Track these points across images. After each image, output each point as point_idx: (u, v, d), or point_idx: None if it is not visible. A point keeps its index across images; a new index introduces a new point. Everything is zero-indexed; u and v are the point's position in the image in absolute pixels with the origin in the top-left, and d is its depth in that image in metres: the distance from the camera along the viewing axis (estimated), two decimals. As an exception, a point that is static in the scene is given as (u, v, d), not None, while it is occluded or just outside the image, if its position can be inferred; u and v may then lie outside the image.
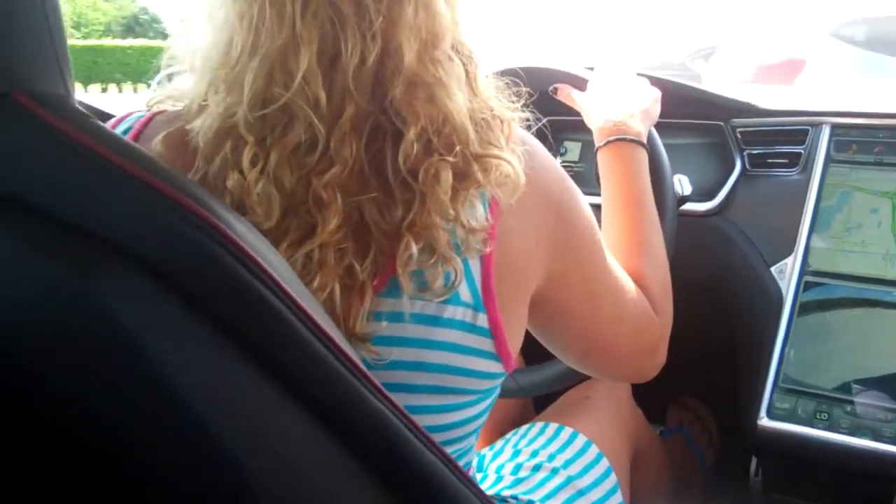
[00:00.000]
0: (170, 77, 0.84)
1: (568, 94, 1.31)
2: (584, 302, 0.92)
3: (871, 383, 1.29)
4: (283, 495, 0.61)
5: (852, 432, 1.27)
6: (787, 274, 1.40)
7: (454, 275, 0.78)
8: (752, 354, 1.40)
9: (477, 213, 0.79)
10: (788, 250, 1.42)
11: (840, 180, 1.44)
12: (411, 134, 0.75)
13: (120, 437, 0.58)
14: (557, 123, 1.63)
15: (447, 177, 0.76)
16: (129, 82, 17.54)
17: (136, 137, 0.82)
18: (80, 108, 0.63)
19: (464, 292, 0.79)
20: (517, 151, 0.81)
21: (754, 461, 1.46)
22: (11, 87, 0.59)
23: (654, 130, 1.26)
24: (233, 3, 0.75)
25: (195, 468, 0.59)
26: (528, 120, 1.60)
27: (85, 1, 29.49)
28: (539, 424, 1.30)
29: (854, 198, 1.42)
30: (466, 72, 0.80)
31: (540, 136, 1.41)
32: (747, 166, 1.54)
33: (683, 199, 1.32)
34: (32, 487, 0.60)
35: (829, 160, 1.46)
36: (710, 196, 1.53)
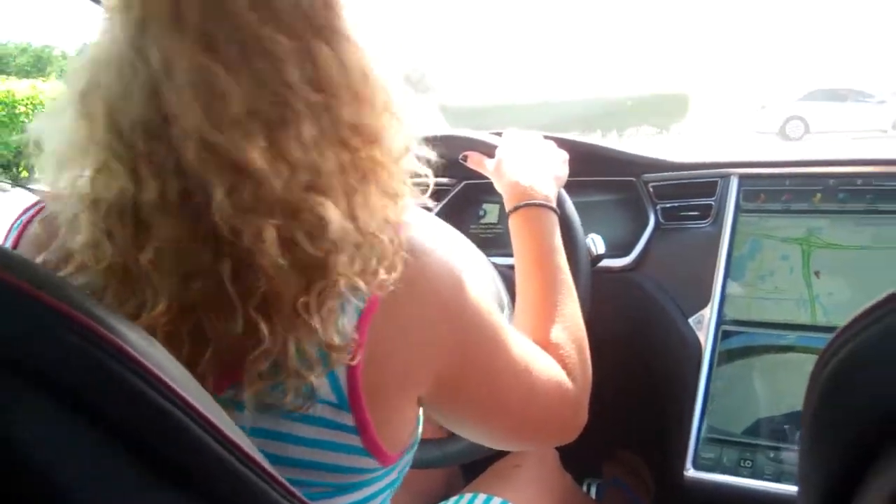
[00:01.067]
0: None
1: (478, 161, 1.32)
2: (488, 397, 0.90)
3: (792, 429, 1.31)
4: None
5: (777, 478, 1.29)
6: (704, 324, 1.43)
7: (311, 390, 0.75)
8: (675, 406, 1.42)
9: (341, 327, 0.76)
10: (705, 301, 1.44)
11: (751, 229, 1.48)
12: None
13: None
14: (477, 186, 1.65)
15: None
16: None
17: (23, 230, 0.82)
18: None
19: (325, 392, 0.76)
20: (397, 263, 0.78)
21: (687, 511, 1.47)
22: None
23: (563, 192, 1.27)
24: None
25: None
26: (447, 184, 1.61)
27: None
28: (468, 496, 1.29)
29: (765, 245, 1.46)
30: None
31: (460, 200, 1.43)
32: (661, 220, 1.57)
33: (598, 258, 1.33)
34: None
35: (738, 210, 1.49)
36: (626, 251, 1.55)
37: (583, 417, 1.02)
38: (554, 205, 1.16)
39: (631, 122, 20.86)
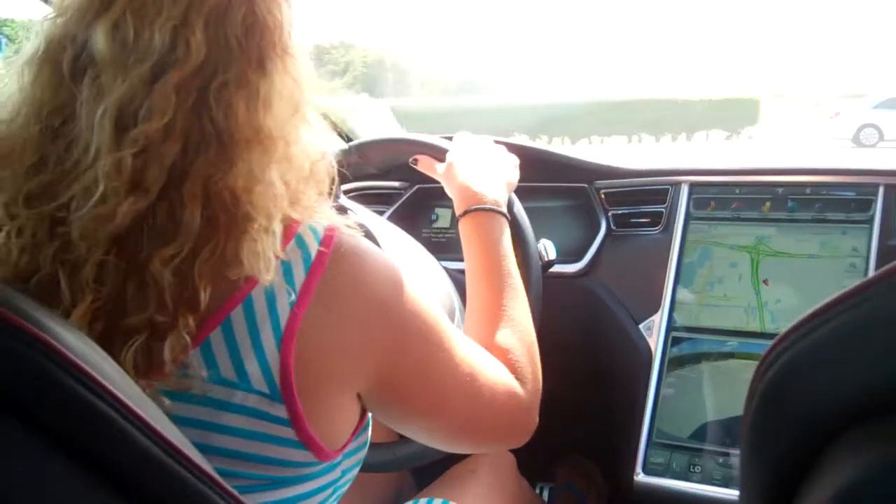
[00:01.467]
0: None
1: (429, 165, 1.32)
2: (430, 398, 0.91)
3: (739, 434, 1.33)
4: None
5: (725, 483, 1.30)
6: (654, 330, 1.44)
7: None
8: (625, 411, 1.43)
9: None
10: (655, 307, 1.46)
11: (701, 237, 1.49)
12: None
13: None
14: (429, 191, 1.65)
15: None
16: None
17: None
18: None
19: (257, 380, 0.77)
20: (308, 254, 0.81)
21: (638, 516, 1.48)
22: None
23: (514, 196, 1.28)
24: None
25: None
26: (399, 188, 1.61)
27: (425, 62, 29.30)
28: (422, 501, 1.29)
29: (715, 253, 1.47)
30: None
31: (413, 204, 1.42)
32: (612, 226, 1.58)
33: (549, 263, 1.34)
34: None
35: (689, 217, 1.51)
36: (577, 257, 1.56)
37: (533, 421, 1.03)
38: (504, 210, 1.17)
39: (701, 125, 20.78)
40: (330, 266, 0.81)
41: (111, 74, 0.75)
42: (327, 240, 0.82)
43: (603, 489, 1.89)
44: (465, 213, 1.16)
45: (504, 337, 1.05)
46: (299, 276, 0.80)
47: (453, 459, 1.38)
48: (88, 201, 0.74)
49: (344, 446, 0.87)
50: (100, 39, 0.76)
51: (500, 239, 1.14)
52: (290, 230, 0.81)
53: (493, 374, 0.96)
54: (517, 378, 1.00)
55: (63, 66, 0.78)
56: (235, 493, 0.65)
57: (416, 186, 1.67)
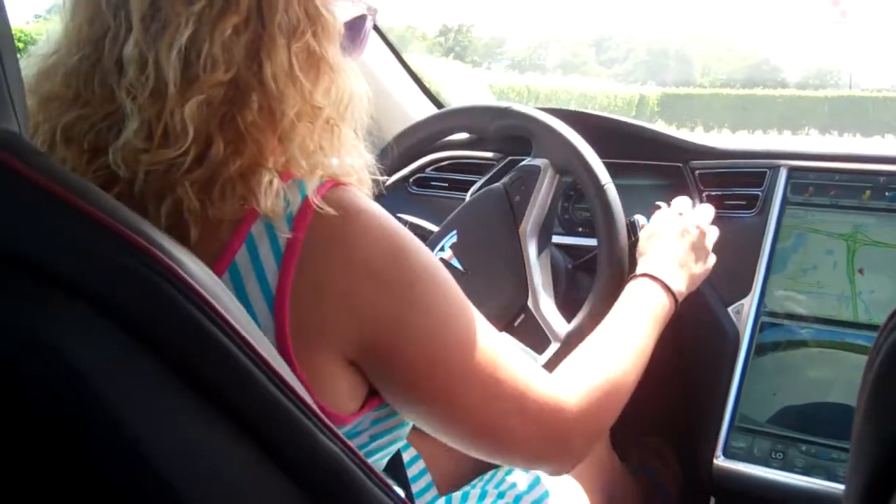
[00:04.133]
0: None
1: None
2: (436, 384, 0.87)
3: (825, 423, 1.31)
4: None
5: (807, 472, 1.29)
6: (743, 314, 1.42)
7: None
8: (709, 394, 1.41)
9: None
10: (745, 291, 1.44)
11: (796, 222, 1.46)
12: None
13: (64, 469, 0.58)
14: (520, 163, 1.65)
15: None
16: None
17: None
18: (30, 145, 0.64)
19: None
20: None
21: (713, 500, 1.46)
22: (-39, 122, 0.60)
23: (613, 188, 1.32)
24: None
25: (141, 502, 0.59)
26: (492, 159, 1.61)
27: (710, 52, 29.89)
28: (506, 468, 1.30)
29: (810, 239, 1.45)
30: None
31: (503, 176, 1.43)
32: (706, 208, 1.56)
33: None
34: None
35: (785, 202, 1.48)
36: (669, 237, 1.54)
37: (578, 449, 0.98)
38: (679, 301, 1.23)
39: None
40: (313, 224, 0.81)
41: (172, 13, 0.79)
42: (315, 196, 0.82)
43: (678, 473, 1.87)
44: (646, 275, 1.22)
45: (598, 362, 1.05)
46: (282, 229, 0.81)
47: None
48: (133, 137, 0.79)
49: (360, 412, 0.87)
50: None
51: (659, 319, 1.18)
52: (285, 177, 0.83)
53: (527, 377, 0.92)
54: (573, 394, 0.97)
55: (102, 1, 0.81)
56: (354, 447, 0.67)
57: (509, 158, 1.67)
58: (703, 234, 1.34)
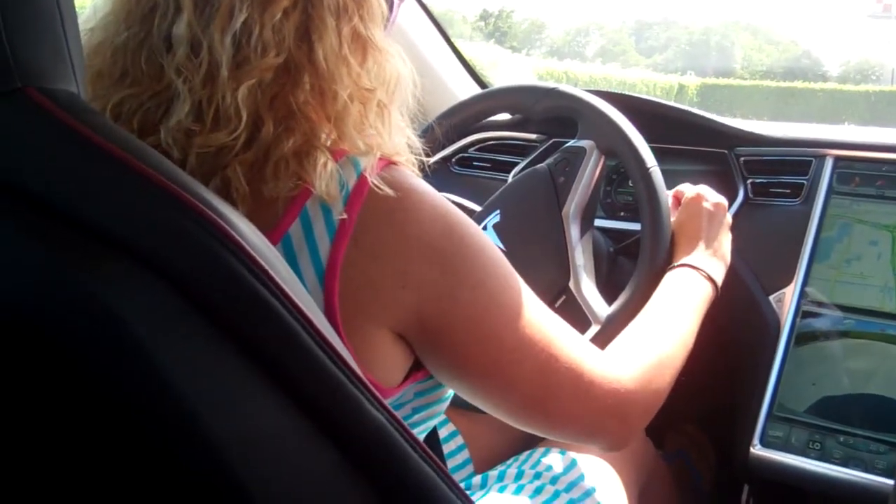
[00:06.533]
0: None
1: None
2: (487, 356, 0.88)
3: (864, 414, 1.30)
4: (277, 498, 0.62)
5: (845, 463, 1.28)
6: (785, 303, 1.41)
7: None
8: (747, 382, 1.41)
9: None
10: (787, 279, 1.43)
11: (841, 212, 1.45)
12: None
13: (115, 430, 0.59)
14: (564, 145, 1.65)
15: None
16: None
17: None
18: (89, 106, 0.65)
19: None
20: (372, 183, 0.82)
21: (746, 489, 1.46)
22: (25, 83, 0.61)
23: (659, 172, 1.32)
24: None
25: (189, 465, 0.60)
26: (536, 140, 1.61)
27: (751, 44, 29.73)
28: (541, 450, 1.30)
29: (854, 230, 1.43)
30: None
31: (545, 158, 1.43)
32: (750, 195, 1.55)
33: None
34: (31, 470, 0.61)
35: (831, 192, 1.47)
36: (712, 223, 1.53)
37: (634, 423, 1.01)
38: (719, 289, 1.25)
39: None
40: (368, 201, 0.82)
41: None
42: (372, 174, 0.83)
43: (712, 461, 1.87)
44: (686, 265, 1.23)
45: (645, 345, 1.06)
46: (337, 209, 0.81)
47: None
48: (184, 118, 0.80)
49: (403, 384, 0.88)
50: None
51: (702, 309, 1.20)
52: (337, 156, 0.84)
53: (580, 351, 0.94)
54: (627, 368, 0.99)
55: None
56: (401, 419, 0.69)
57: (552, 140, 1.67)
58: (723, 210, 1.35)
